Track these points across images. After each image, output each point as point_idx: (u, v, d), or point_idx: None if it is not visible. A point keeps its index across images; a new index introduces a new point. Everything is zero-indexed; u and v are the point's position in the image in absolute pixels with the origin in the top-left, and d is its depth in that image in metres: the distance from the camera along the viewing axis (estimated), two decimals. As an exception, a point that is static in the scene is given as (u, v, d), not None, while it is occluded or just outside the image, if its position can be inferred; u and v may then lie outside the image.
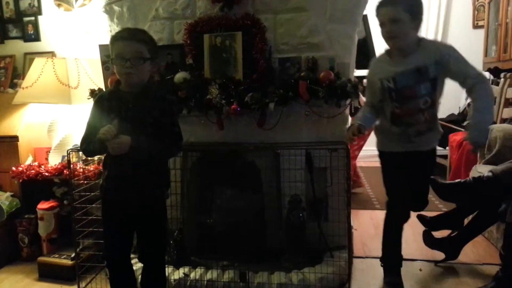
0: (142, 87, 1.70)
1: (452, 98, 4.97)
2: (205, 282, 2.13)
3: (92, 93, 2.43)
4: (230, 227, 2.39)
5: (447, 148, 4.03)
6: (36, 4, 3.12)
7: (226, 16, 2.30)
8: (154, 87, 1.90)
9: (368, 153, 5.18)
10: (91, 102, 2.43)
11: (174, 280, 2.16)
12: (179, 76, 2.26)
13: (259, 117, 2.23)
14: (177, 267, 2.23)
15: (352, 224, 2.43)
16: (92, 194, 2.30)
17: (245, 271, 2.12)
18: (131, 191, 1.70)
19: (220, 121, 2.26)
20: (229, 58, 2.29)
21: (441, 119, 4.60)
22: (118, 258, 1.82)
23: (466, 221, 2.46)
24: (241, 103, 2.16)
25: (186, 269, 2.19)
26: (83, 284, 2.27)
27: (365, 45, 3.65)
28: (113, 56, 1.66)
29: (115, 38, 1.67)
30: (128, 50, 1.62)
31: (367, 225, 3.11)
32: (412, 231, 2.91)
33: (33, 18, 3.14)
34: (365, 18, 3.42)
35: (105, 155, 1.76)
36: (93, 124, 1.71)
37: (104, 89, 2.43)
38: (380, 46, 5.42)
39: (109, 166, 1.74)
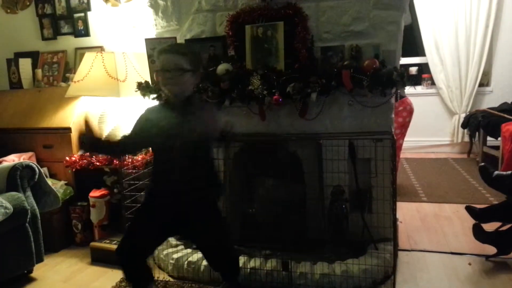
0: (186, 98, 1.78)
1: (505, 86, 4.71)
2: (248, 270, 2.17)
3: (139, 85, 2.52)
4: (272, 217, 2.41)
5: (499, 138, 3.83)
6: (85, 0, 3.25)
7: (268, 6, 2.29)
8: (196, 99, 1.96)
9: (414, 144, 5.05)
10: (138, 94, 2.53)
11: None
12: (222, 67, 2.29)
13: (301, 107, 2.22)
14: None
15: (397, 216, 2.38)
16: (141, 182, 2.40)
17: (288, 260, 2.14)
18: (178, 194, 1.76)
19: (262, 112, 2.27)
20: (270, 48, 2.28)
21: (493, 108, 4.39)
22: (138, 259, 1.84)
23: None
24: (283, 94, 2.16)
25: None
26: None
27: (412, 31, 3.51)
28: (158, 68, 1.76)
29: (159, 52, 1.78)
30: (169, 63, 1.71)
31: (413, 218, 3.03)
32: (461, 224, 2.82)
33: (82, 14, 3.27)
34: (411, 3, 3.31)
35: (152, 158, 1.84)
36: (139, 131, 1.80)
37: (150, 82, 2.51)
38: (427, 32, 5.25)
39: (156, 170, 1.83)
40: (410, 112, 3.52)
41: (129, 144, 1.82)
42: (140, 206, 1.96)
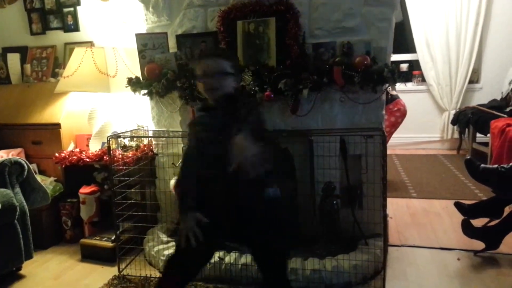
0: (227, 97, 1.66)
1: (495, 83, 4.76)
2: (239, 266, 2.17)
3: (130, 81, 2.50)
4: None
5: (488, 135, 3.87)
6: (75, -5, 3.21)
7: (259, 2, 2.29)
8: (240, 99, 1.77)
9: (404, 140, 5.09)
10: (129, 90, 2.50)
11: (209, 263, 2.21)
12: (213, 63, 2.27)
13: (293, 103, 2.22)
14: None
15: (387, 212, 2.39)
16: (131, 179, 2.38)
17: (279, 257, 2.14)
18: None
19: (254, 108, 2.27)
20: (262, 44, 2.28)
21: (483, 105, 4.44)
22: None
23: (507, 209, 2.37)
24: (274, 90, 2.16)
25: (221, 254, 2.23)
26: (123, 265, 2.36)
27: (403, 28, 3.56)
28: (199, 73, 1.67)
29: (200, 57, 1.72)
30: (212, 67, 1.64)
31: (403, 214, 3.05)
32: (450, 220, 2.85)
33: (72, 8, 3.23)
34: (403, 0, 3.34)
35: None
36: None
37: (140, 78, 2.48)
38: (418, 29, 5.27)
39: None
40: (403, 113, 3.62)
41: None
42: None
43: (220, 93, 1.64)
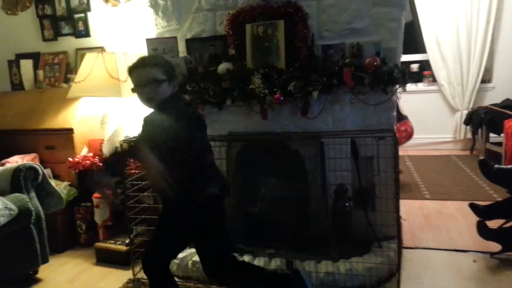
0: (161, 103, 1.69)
1: (507, 82, 4.69)
2: (252, 269, 2.17)
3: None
4: (276, 216, 2.41)
5: (502, 135, 3.82)
6: (85, 1, 3.24)
7: (268, 4, 2.29)
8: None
9: (416, 141, 5.03)
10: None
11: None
12: (222, 67, 2.29)
13: (303, 105, 2.22)
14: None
15: (400, 214, 2.37)
16: (144, 183, 2.40)
17: (292, 259, 2.13)
18: (180, 196, 1.65)
19: (264, 111, 2.27)
20: (271, 47, 2.28)
21: (495, 105, 4.38)
22: (159, 265, 1.80)
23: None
24: (284, 92, 2.16)
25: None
26: (137, 269, 2.37)
27: (413, 28, 3.56)
28: (133, 86, 1.69)
29: (129, 70, 1.71)
30: (142, 77, 1.66)
31: (416, 215, 3.02)
32: (465, 221, 2.81)
33: (83, 14, 3.27)
34: (412, 0, 3.32)
35: None
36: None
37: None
38: (428, 28, 5.22)
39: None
40: (409, 135, 3.63)
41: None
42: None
43: (156, 102, 1.66)
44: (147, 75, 1.65)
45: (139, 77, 1.67)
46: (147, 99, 1.67)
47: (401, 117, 3.61)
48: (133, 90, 1.70)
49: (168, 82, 1.69)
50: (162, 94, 1.67)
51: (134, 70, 1.70)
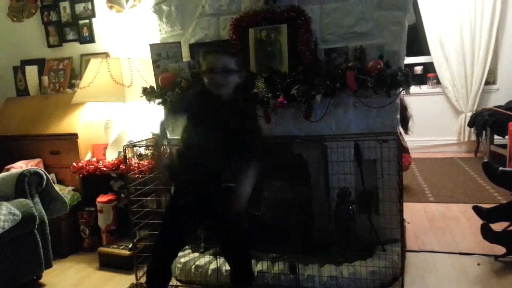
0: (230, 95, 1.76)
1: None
2: (256, 273, 2.16)
3: (145, 90, 2.53)
4: (279, 220, 2.40)
5: (506, 137, 3.80)
6: (90, 7, 3.27)
7: (271, 9, 2.30)
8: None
9: (420, 144, 5.03)
10: (143, 99, 2.54)
11: (226, 271, 2.21)
12: (226, 71, 2.29)
13: (306, 109, 2.22)
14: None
15: (404, 217, 2.37)
16: (147, 187, 2.41)
17: (295, 263, 2.13)
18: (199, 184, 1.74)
19: (267, 115, 2.27)
20: (274, 51, 2.29)
21: (500, 107, 4.36)
22: (170, 256, 1.87)
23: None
24: (287, 96, 2.16)
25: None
26: (140, 273, 2.38)
27: (416, 30, 3.54)
28: (204, 68, 1.75)
29: (205, 53, 1.78)
30: (217, 63, 1.72)
31: (420, 218, 3.01)
32: (469, 224, 2.80)
33: (87, 20, 3.30)
34: (415, 2, 3.31)
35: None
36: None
37: (155, 87, 2.51)
38: (432, 30, 5.21)
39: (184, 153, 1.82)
40: (405, 168, 3.51)
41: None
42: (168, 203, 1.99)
43: (225, 91, 1.73)
44: (223, 62, 1.71)
45: (214, 62, 1.72)
46: (217, 85, 1.72)
47: (403, 150, 3.54)
48: (203, 73, 1.76)
49: (238, 73, 1.75)
50: (230, 83, 1.72)
51: (209, 54, 1.76)
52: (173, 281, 2.31)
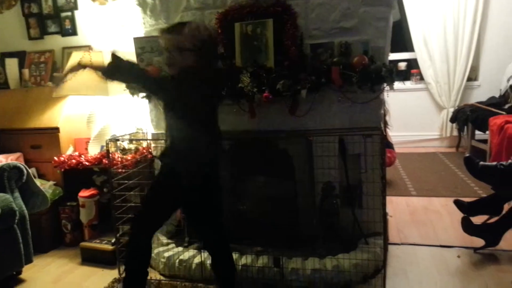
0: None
1: (493, 80, 4.77)
2: (240, 266, 2.17)
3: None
4: (263, 214, 2.41)
5: (487, 132, 3.88)
6: (72, -1, 3.21)
7: (257, 3, 2.29)
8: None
9: (403, 138, 5.10)
10: (127, 93, 2.51)
11: (210, 265, 2.21)
12: (211, 65, 2.27)
13: (291, 104, 2.22)
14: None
15: (387, 210, 2.40)
16: (130, 182, 2.38)
17: (279, 257, 2.14)
18: (183, 164, 1.76)
19: (252, 109, 2.27)
20: (260, 45, 2.28)
21: (481, 102, 4.45)
22: (151, 231, 1.90)
23: (506, 206, 2.37)
24: (273, 91, 2.16)
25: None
26: (122, 268, 2.35)
27: (401, 27, 3.57)
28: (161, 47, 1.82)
29: (160, 32, 1.82)
30: (170, 42, 1.75)
31: (403, 212, 3.06)
32: (450, 218, 2.85)
33: (70, 13, 3.23)
34: (399, -1, 3.34)
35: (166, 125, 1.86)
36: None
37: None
38: (416, 27, 5.28)
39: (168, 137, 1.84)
40: (390, 163, 3.55)
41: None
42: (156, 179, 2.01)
43: (176, 69, 1.76)
44: (172, 42, 1.74)
45: (165, 42, 1.77)
46: (168, 64, 1.78)
47: (388, 144, 3.55)
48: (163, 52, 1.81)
49: (194, 52, 1.73)
50: (183, 62, 1.74)
51: (161, 34, 1.79)
52: (157, 276, 2.30)
